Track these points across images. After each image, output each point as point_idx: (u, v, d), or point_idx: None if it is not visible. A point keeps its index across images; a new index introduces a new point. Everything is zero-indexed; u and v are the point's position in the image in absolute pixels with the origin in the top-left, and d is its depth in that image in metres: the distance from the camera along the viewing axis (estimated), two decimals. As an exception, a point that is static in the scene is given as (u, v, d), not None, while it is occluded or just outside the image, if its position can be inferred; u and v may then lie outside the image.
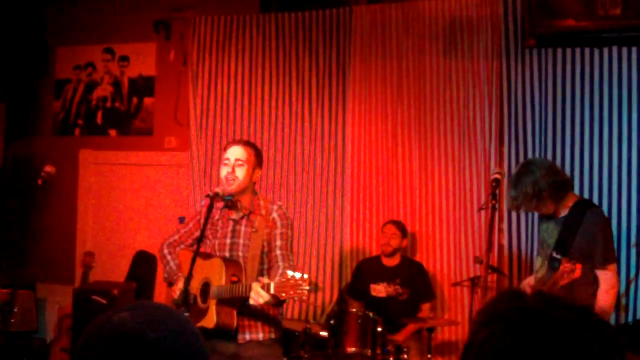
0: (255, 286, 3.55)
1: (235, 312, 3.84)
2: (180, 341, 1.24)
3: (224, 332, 3.85)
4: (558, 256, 4.00)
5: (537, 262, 4.28)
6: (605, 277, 3.98)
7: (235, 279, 3.79)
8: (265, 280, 3.58)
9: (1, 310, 4.86)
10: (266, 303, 3.56)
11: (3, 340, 5.17)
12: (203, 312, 3.86)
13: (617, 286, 4.14)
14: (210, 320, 3.80)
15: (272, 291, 3.47)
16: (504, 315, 1.26)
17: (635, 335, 4.82)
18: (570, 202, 4.13)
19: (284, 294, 3.44)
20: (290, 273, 3.44)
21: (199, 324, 3.83)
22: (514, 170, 5.48)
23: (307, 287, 3.41)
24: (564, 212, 4.12)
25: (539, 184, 4.03)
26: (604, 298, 3.94)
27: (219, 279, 3.82)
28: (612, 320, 5.26)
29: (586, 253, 3.96)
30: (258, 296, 3.54)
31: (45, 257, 7.23)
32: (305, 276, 3.43)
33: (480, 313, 1.31)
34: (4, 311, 4.83)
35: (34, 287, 6.71)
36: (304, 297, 3.45)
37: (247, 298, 3.66)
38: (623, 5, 4.80)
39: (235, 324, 3.84)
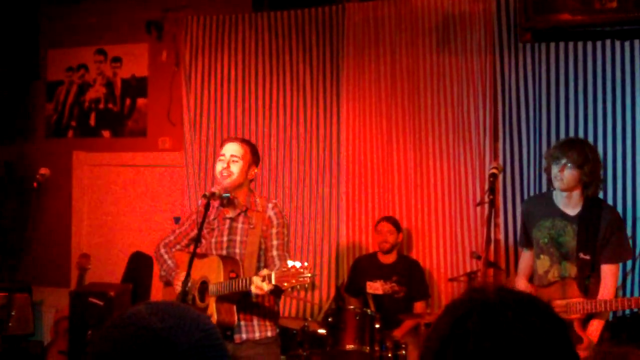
0: (256, 279, 3.58)
1: (235, 309, 3.85)
2: (187, 332, 1.27)
3: (224, 330, 3.85)
4: (587, 257, 3.95)
5: (543, 262, 4.12)
6: (613, 272, 3.98)
7: (233, 275, 3.80)
8: (265, 272, 3.60)
9: (-2, 315, 4.85)
10: (268, 293, 3.61)
11: (0, 345, 5.15)
12: (202, 311, 3.85)
13: None
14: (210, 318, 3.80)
15: (273, 281, 3.51)
16: (456, 305, 1.28)
17: (634, 327, 4.84)
18: (579, 199, 4.05)
19: (285, 284, 3.50)
20: (290, 262, 3.49)
21: None
22: (509, 166, 5.56)
23: (309, 274, 3.47)
24: (574, 209, 4.06)
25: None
26: (611, 292, 3.93)
27: (217, 276, 3.82)
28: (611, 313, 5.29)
29: (603, 249, 3.96)
30: (259, 289, 3.57)
31: (40, 259, 7.19)
32: (306, 264, 3.49)
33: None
34: (1, 315, 4.81)
35: (30, 290, 6.67)
36: (306, 284, 3.50)
37: (247, 292, 3.67)
38: (619, -2, 4.81)
39: (235, 320, 3.86)
